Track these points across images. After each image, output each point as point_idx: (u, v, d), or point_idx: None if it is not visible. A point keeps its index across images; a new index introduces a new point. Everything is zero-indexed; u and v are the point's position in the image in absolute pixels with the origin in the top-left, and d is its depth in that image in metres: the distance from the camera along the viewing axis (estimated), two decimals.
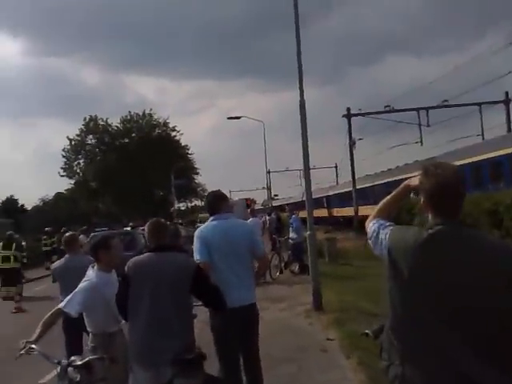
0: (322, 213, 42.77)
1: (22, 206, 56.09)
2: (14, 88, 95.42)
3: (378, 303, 9.43)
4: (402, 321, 2.09)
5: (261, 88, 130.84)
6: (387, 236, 2.18)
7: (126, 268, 3.44)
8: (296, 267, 13.67)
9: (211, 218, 4.18)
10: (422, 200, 2.13)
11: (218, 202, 4.24)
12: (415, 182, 2.27)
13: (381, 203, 2.51)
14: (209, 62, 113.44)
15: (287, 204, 38.69)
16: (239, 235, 4.12)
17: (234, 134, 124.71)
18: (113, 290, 3.61)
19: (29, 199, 67.70)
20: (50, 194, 59.43)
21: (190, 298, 3.45)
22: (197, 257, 3.94)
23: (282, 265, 13.55)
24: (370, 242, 2.33)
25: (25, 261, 13.77)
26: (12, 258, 12.48)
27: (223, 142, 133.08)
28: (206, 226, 4.18)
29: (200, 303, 3.62)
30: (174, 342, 3.24)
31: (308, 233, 9.13)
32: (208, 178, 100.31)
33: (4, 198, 54.00)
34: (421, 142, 31.41)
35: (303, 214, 14.90)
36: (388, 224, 2.28)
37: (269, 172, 55.82)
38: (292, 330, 7.46)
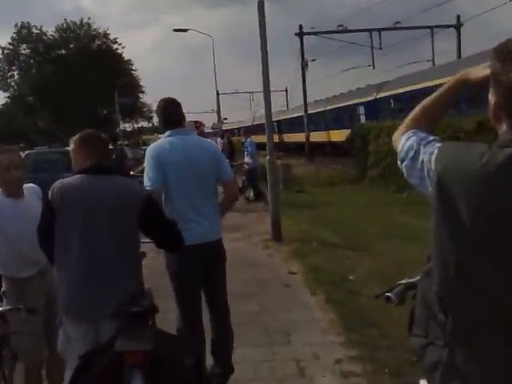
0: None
1: None
2: None
3: (337, 233, 9.13)
4: (454, 280, 1.39)
5: (206, 2, 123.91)
6: (434, 156, 1.44)
7: (49, 193, 2.55)
8: (251, 194, 13.10)
9: (167, 134, 3.35)
10: (492, 101, 1.39)
11: (174, 112, 3.40)
12: (480, 72, 1.49)
13: (418, 106, 1.68)
14: None
15: (238, 128, 37.68)
16: (204, 156, 3.33)
17: (180, 53, 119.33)
18: (20, 224, 2.82)
19: None
20: None
21: (137, 234, 2.64)
22: (147, 183, 3.16)
23: None
24: (402, 165, 1.57)
25: None
26: None
27: (169, 61, 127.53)
28: (160, 144, 3.34)
29: (149, 240, 2.80)
30: (116, 291, 2.45)
31: (267, 158, 8.44)
32: (154, 99, 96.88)
33: None
34: (373, 65, 30.81)
35: (255, 139, 14.16)
36: (432, 139, 1.52)
37: (218, 94, 54.02)
38: (250, 263, 6.93)
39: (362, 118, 25.71)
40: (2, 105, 51.82)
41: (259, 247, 7.87)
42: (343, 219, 10.08)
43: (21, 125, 48.81)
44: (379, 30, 29.28)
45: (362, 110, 26.82)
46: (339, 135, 27.00)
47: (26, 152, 13.24)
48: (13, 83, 49.48)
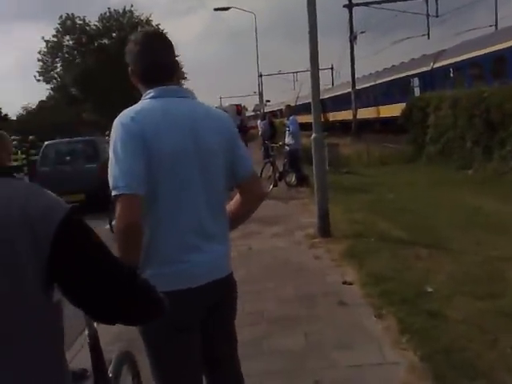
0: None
1: (6, 115, 53.51)
2: None
3: (399, 223, 7.44)
4: None
5: None
6: None
7: None
8: (293, 178, 11.54)
9: (149, 93, 1.85)
10: None
11: (164, 54, 1.90)
12: None
13: None
14: None
15: (280, 110, 36.09)
16: (216, 138, 1.87)
17: (224, 37, 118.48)
18: None
19: (13, 109, 64.57)
20: (33, 103, 55.99)
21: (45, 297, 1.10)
22: (118, 183, 1.66)
23: (277, 176, 11.37)
24: None
25: None
26: None
27: (213, 46, 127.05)
28: (143, 112, 1.79)
29: None
30: None
31: (313, 136, 6.84)
32: (196, 84, 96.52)
33: None
34: (428, 34, 28.30)
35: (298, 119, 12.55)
36: None
37: (261, 75, 52.44)
38: (292, 269, 5.42)
39: (417, 91, 23.53)
40: (46, 97, 52.07)
41: (303, 246, 6.33)
42: (404, 205, 8.38)
43: (65, 116, 48.97)
44: None
45: (416, 82, 24.55)
46: (390, 111, 25.01)
47: (46, 143, 12.19)
48: (56, 75, 49.67)
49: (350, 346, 3.54)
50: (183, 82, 55.37)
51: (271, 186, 11.08)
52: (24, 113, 56.63)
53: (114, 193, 1.65)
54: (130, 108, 1.81)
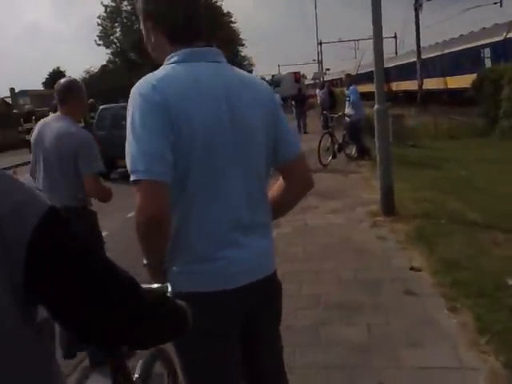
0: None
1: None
2: None
3: (473, 204, 6.78)
4: None
5: None
6: None
7: None
8: (353, 150, 10.95)
9: (173, 57, 1.49)
10: None
11: (192, 7, 1.53)
12: None
13: None
14: None
15: (340, 78, 34.89)
16: (257, 110, 1.52)
17: (282, 3, 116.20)
18: None
19: (76, 71, 66.78)
20: (96, 66, 57.23)
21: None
22: (138, 166, 1.33)
23: (336, 147, 10.81)
24: None
25: None
26: None
27: (271, 12, 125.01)
28: (161, 78, 1.43)
29: None
30: None
31: (376, 107, 6.26)
32: (254, 52, 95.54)
33: (51, 70, 54.37)
34: (500, 2, 26.24)
35: (359, 89, 11.83)
36: None
37: (320, 43, 50.90)
38: (352, 249, 4.99)
39: (488, 62, 21.98)
40: (106, 61, 52.98)
41: (365, 224, 5.87)
42: (477, 183, 7.69)
43: (125, 80, 49.69)
44: None
45: (487, 52, 22.89)
46: (458, 81, 23.57)
47: (101, 107, 12.15)
48: (115, 40, 50.28)
49: (420, 344, 3.12)
50: (241, 48, 54.84)
51: (330, 158, 10.56)
52: (87, 76, 58.06)
53: (132, 178, 1.32)
54: (151, 74, 1.45)
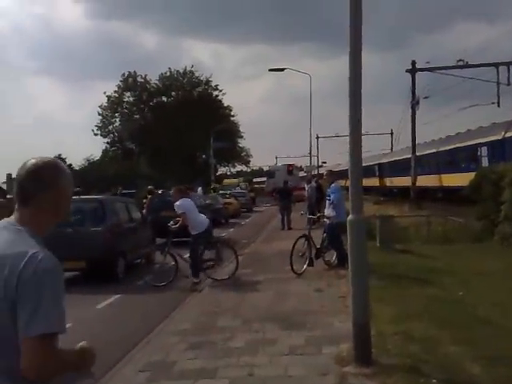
0: (372, 182, 38.29)
1: (70, 165, 55.73)
2: (76, 51, 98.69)
3: (476, 346, 4.92)
4: None
5: (315, 54, 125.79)
6: None
7: None
8: (333, 257, 9.51)
9: None
10: None
11: None
12: None
13: None
14: (265, 26, 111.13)
15: (333, 172, 34.31)
16: None
17: (284, 101, 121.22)
18: None
19: (77, 159, 67.34)
20: (96, 155, 57.53)
21: None
22: None
23: (313, 253, 9.38)
24: None
25: None
26: None
27: (273, 109, 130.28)
28: None
29: None
30: None
31: (350, 217, 4.91)
32: (253, 144, 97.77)
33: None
34: (498, 102, 26.11)
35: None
36: None
37: (317, 138, 51.30)
38: None
39: (485, 161, 21.30)
40: (102, 150, 53.10)
41: (329, 379, 4.25)
42: (480, 310, 6.15)
43: (120, 169, 49.44)
44: (508, 64, 25.27)
45: (484, 151, 22.29)
46: (454, 180, 22.70)
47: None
48: (113, 129, 50.83)
49: None
50: (239, 140, 55.23)
51: (305, 266, 9.09)
52: (86, 164, 58.18)
53: None
54: None
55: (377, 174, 39.97)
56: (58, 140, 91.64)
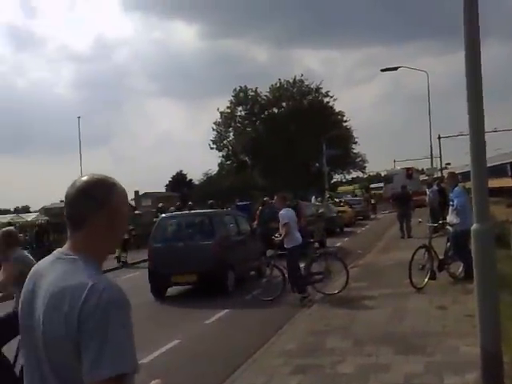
0: (504, 183, 34.86)
1: (190, 180, 58.99)
2: (191, 70, 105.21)
3: None
4: None
5: (430, 50, 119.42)
6: None
7: None
8: (459, 269, 8.51)
9: None
10: None
11: None
12: None
13: None
14: (375, 28, 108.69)
15: (455, 173, 31.85)
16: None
17: (400, 101, 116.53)
18: None
19: (196, 174, 71.03)
20: (213, 169, 60.15)
21: None
22: None
23: (435, 265, 8.46)
24: None
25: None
26: None
27: (388, 110, 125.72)
28: None
29: None
30: None
31: (474, 226, 4.20)
32: (371, 148, 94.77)
33: (174, 174, 59.60)
34: None
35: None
36: None
37: (439, 138, 48.18)
38: None
39: None
40: (218, 164, 55.00)
41: None
42: None
43: (235, 181, 50.86)
44: None
45: None
46: None
47: (162, 215, 11.21)
48: (228, 143, 52.41)
49: None
50: (354, 146, 53.93)
51: (426, 279, 8.22)
52: (205, 178, 60.95)
53: None
54: None
55: (509, 173, 36.41)
56: (178, 157, 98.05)
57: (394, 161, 66.86)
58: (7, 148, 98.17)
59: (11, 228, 5.81)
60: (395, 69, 30.29)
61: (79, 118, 41.70)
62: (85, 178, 1.49)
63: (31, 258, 4.78)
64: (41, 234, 16.82)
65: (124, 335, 1.31)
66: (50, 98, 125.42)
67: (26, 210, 69.13)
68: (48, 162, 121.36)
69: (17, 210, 68.23)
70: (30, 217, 44.48)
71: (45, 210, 43.47)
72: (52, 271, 1.42)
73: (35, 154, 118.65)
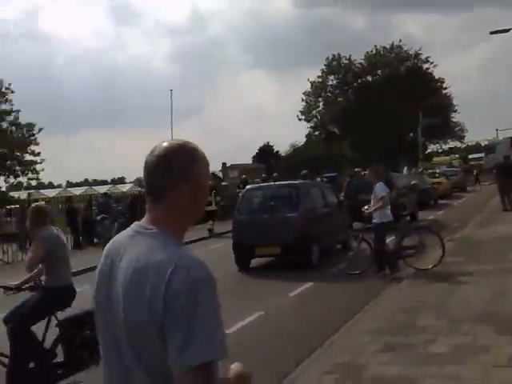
0: None
1: (277, 152, 59.05)
2: (284, 40, 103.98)
3: None
4: None
5: None
6: None
7: None
8: None
9: None
10: None
11: None
12: None
13: None
14: None
15: None
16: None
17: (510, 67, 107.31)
18: None
19: (282, 146, 70.88)
20: (300, 140, 59.67)
21: None
22: None
23: None
24: None
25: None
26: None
27: (497, 76, 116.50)
28: None
29: None
30: None
31: None
32: (473, 117, 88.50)
33: (261, 145, 60.00)
34: None
35: None
36: None
37: None
38: None
39: None
40: (305, 135, 54.40)
41: None
42: None
43: (323, 152, 50.07)
44: None
45: None
46: None
47: (248, 187, 11.16)
48: (317, 113, 51.55)
49: None
50: (453, 115, 50.82)
51: None
52: (291, 150, 60.81)
53: None
54: None
55: None
56: (267, 129, 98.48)
57: (497, 130, 62.04)
58: (103, 122, 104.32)
59: (41, 204, 5.47)
60: (507, 31, 27.63)
61: (171, 90, 42.89)
62: (165, 144, 1.36)
63: (62, 237, 4.50)
64: (133, 205, 17.57)
65: (213, 317, 1.20)
66: (146, 73, 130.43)
67: (121, 181, 73.08)
68: (143, 134, 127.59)
69: (113, 181, 72.32)
70: (125, 187, 47.00)
71: (138, 181, 45.79)
72: (133, 246, 1.31)
73: (131, 127, 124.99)
